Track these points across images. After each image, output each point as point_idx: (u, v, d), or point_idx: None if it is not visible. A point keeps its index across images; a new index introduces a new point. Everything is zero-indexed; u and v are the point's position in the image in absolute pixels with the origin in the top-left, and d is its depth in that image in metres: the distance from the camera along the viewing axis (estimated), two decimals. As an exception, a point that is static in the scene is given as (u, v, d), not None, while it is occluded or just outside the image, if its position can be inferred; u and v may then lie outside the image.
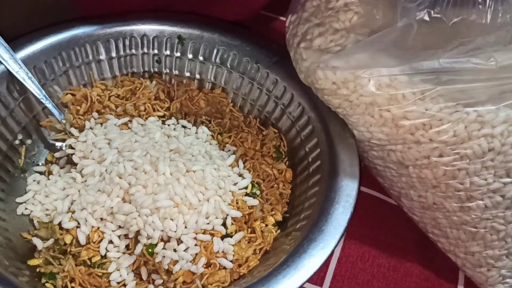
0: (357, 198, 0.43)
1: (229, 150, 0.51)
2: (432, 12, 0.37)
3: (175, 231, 0.41)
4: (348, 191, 0.43)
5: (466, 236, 0.44)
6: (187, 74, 0.56)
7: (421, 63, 0.40)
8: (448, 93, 0.40)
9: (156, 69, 0.56)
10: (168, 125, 0.52)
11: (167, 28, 0.54)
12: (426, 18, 0.37)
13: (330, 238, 0.40)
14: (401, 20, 0.38)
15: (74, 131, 0.49)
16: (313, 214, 0.42)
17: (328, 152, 0.46)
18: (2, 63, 0.46)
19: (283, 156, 0.51)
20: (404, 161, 0.43)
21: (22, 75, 0.47)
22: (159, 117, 0.53)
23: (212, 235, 0.42)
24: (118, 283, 0.42)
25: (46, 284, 0.40)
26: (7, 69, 0.47)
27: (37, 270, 0.41)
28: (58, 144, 0.51)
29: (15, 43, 0.48)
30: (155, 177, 0.43)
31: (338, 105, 0.44)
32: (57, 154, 0.50)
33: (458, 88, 0.40)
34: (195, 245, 0.42)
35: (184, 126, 0.52)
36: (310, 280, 0.40)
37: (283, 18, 0.67)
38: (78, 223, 0.43)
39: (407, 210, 0.48)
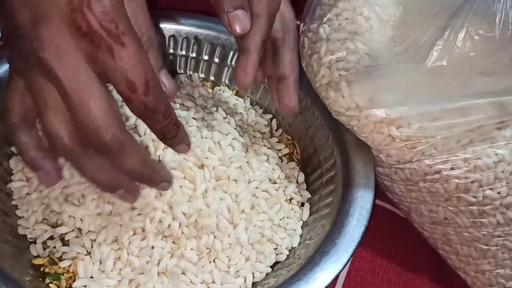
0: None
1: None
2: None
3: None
4: (362, 204, 0.42)
5: (477, 254, 0.43)
6: (202, 75, 0.55)
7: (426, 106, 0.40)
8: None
9: (170, 69, 0.55)
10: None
11: (184, 28, 0.53)
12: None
13: (343, 251, 0.39)
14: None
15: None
16: (325, 226, 0.41)
17: (343, 163, 0.45)
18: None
19: (296, 164, 0.50)
20: (412, 177, 0.43)
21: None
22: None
23: None
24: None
25: (50, 285, 0.39)
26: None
27: (41, 269, 0.40)
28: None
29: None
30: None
31: (348, 122, 0.43)
32: None
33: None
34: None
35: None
36: (319, 294, 0.39)
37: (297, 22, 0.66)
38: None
39: (417, 225, 0.47)
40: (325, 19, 0.44)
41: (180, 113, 0.45)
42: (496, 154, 0.40)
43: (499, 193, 0.40)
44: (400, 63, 0.40)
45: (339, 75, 0.42)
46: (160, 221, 0.40)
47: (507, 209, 0.40)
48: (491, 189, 0.40)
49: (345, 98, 0.41)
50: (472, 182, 0.40)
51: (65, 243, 0.41)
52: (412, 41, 0.41)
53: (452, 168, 0.40)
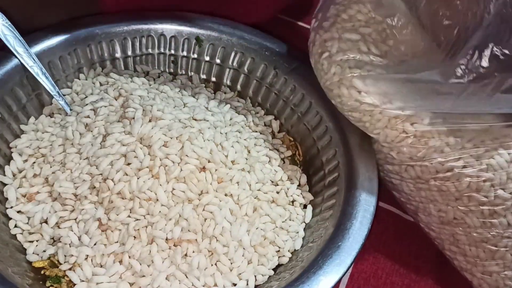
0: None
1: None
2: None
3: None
4: (366, 206, 0.41)
5: (485, 255, 0.42)
6: (203, 76, 0.55)
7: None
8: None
9: (171, 70, 0.55)
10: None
11: (185, 29, 0.53)
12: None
13: (347, 254, 0.38)
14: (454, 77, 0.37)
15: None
16: (328, 228, 0.41)
17: (346, 165, 0.44)
18: (16, 57, 0.45)
19: (298, 166, 0.50)
20: (423, 175, 0.42)
21: (36, 70, 0.46)
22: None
23: None
24: None
25: (51, 288, 0.39)
26: (21, 64, 0.46)
27: (42, 272, 0.40)
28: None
29: (30, 37, 0.47)
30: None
31: (359, 119, 0.43)
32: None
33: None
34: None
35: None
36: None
37: (300, 23, 0.66)
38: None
39: (424, 225, 0.46)
40: (339, 19, 0.43)
41: (181, 115, 0.45)
42: (509, 154, 0.39)
43: (511, 193, 0.40)
44: (415, 71, 0.40)
45: (351, 74, 0.41)
46: (161, 224, 0.40)
47: (518, 210, 0.40)
48: (503, 189, 0.39)
49: (361, 93, 0.41)
50: (484, 181, 0.40)
51: (65, 246, 0.41)
52: (427, 50, 0.41)
53: (464, 166, 0.40)
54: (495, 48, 0.35)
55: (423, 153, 0.41)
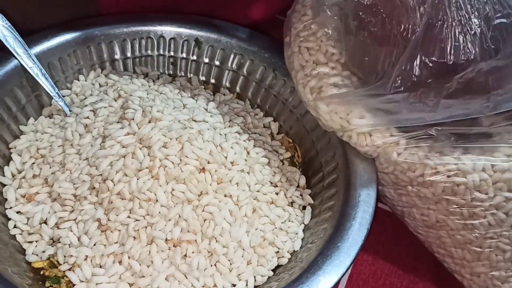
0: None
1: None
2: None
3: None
4: (365, 207, 0.41)
5: (471, 256, 0.43)
6: (202, 78, 0.55)
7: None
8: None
9: (171, 72, 0.55)
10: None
11: (184, 31, 0.53)
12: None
13: (346, 255, 0.38)
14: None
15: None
16: (328, 229, 0.41)
17: (345, 166, 0.45)
18: (16, 58, 0.45)
19: (297, 167, 0.50)
20: (398, 182, 0.43)
21: (36, 71, 0.46)
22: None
23: None
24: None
25: (50, 288, 0.39)
26: (21, 64, 0.46)
27: (41, 272, 0.40)
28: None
29: (30, 38, 0.47)
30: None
31: (336, 133, 0.44)
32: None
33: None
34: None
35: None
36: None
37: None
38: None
39: (412, 229, 0.47)
40: (298, 28, 0.44)
41: (180, 116, 0.45)
42: (476, 157, 0.40)
43: (486, 193, 0.40)
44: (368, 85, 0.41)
45: (314, 98, 0.42)
46: (161, 225, 0.40)
47: (497, 210, 0.40)
48: (478, 191, 0.40)
49: (327, 121, 0.42)
50: (458, 185, 0.40)
51: (65, 246, 0.41)
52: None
53: (434, 173, 0.40)
54: (423, 57, 0.36)
55: (393, 165, 0.42)
